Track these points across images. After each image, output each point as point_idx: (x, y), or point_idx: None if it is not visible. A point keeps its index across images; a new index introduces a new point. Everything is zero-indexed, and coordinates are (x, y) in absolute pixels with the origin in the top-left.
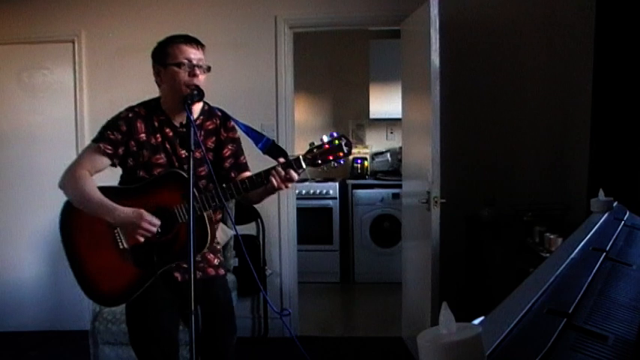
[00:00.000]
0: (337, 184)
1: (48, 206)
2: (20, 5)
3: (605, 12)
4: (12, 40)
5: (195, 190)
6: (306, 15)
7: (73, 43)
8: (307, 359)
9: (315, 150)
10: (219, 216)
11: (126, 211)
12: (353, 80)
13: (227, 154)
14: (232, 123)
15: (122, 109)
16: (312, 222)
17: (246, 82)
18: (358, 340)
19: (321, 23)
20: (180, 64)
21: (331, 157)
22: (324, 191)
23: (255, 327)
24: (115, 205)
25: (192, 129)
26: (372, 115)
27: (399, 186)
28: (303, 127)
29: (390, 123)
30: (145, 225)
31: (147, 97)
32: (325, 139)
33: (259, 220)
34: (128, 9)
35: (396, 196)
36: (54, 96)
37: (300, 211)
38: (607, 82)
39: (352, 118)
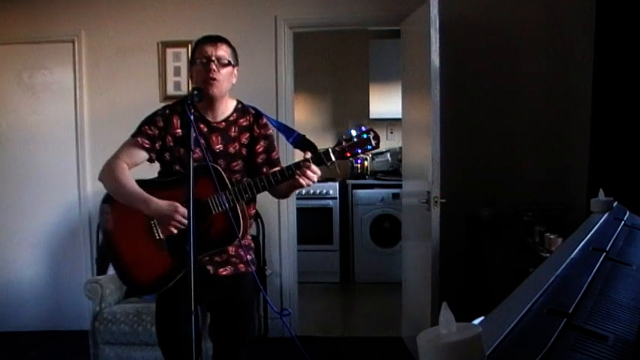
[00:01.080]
0: (337, 184)
1: (48, 206)
2: (20, 5)
3: (605, 12)
4: (12, 40)
5: (228, 181)
6: (306, 15)
7: (73, 43)
8: (307, 359)
9: (343, 143)
10: (253, 211)
11: (161, 203)
12: (353, 80)
13: (259, 150)
14: (265, 120)
15: (122, 109)
16: (312, 222)
17: (246, 82)
18: (358, 340)
19: (321, 23)
20: (198, 61)
21: (359, 150)
22: (324, 191)
23: (255, 327)
24: (150, 196)
25: (192, 129)
26: (372, 115)
27: (399, 186)
28: (303, 127)
29: (390, 123)
30: (179, 217)
31: (146, 97)
32: (354, 132)
33: (259, 220)
34: (128, 9)
35: (396, 196)
36: (54, 96)
37: (300, 211)
38: (607, 82)
39: (352, 118)
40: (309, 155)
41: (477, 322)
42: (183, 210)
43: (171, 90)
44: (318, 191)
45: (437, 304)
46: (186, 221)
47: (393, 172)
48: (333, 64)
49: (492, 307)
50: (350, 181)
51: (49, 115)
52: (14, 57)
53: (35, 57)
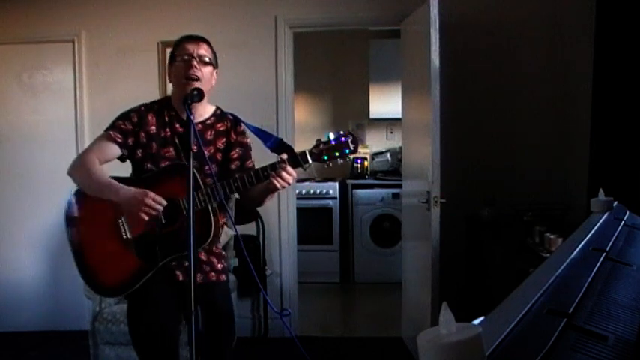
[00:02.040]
0: (337, 184)
1: (48, 206)
2: (20, 5)
3: (605, 12)
4: (12, 40)
5: (201, 184)
6: (306, 15)
7: (73, 43)
8: (307, 359)
9: (321, 146)
10: (224, 220)
11: (131, 189)
12: (353, 80)
13: (234, 157)
14: (243, 127)
15: (122, 109)
16: (312, 222)
17: (246, 82)
18: (358, 340)
19: (321, 23)
20: (179, 59)
21: (337, 154)
22: (324, 191)
23: (255, 327)
24: (121, 185)
25: (191, 128)
26: (372, 115)
27: (399, 186)
28: (303, 127)
29: (390, 123)
30: (149, 202)
31: (146, 97)
32: (332, 135)
33: (259, 220)
34: (128, 9)
35: (396, 196)
36: (54, 96)
37: (300, 211)
38: (607, 82)
39: (352, 118)
40: (285, 157)
41: (476, 322)
42: (154, 195)
43: (171, 90)
44: (318, 191)
45: (437, 304)
46: (158, 207)
47: (393, 172)
48: (333, 64)
49: (492, 307)
50: (350, 181)
51: (49, 115)
52: (14, 57)
53: (35, 57)
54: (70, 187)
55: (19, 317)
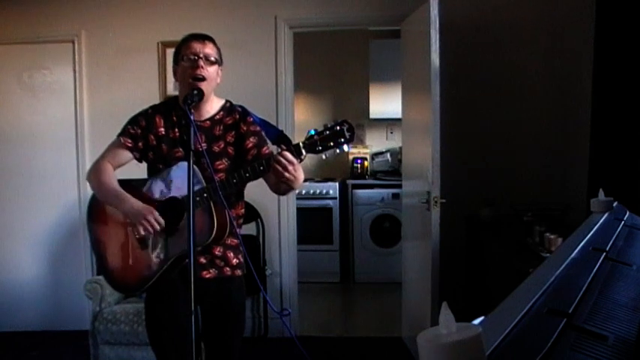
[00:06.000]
0: (337, 184)
1: (47, 206)
2: (20, 5)
3: (605, 12)
4: (12, 40)
5: (203, 181)
6: (306, 15)
7: (73, 43)
8: (307, 359)
9: (315, 136)
10: (242, 210)
11: (137, 204)
12: (353, 80)
13: (249, 146)
14: (252, 118)
15: (122, 109)
16: (312, 222)
17: (246, 82)
18: (358, 340)
19: (321, 23)
20: (185, 58)
21: (332, 144)
22: (324, 191)
23: (255, 327)
24: (129, 196)
25: (192, 129)
26: (372, 115)
27: (399, 186)
28: (303, 127)
29: (390, 123)
30: (151, 219)
31: (146, 97)
32: (327, 125)
33: (259, 220)
34: (128, 9)
35: (396, 196)
36: (54, 96)
37: (300, 211)
38: (607, 82)
39: (352, 118)
40: (283, 147)
41: (476, 322)
42: (157, 216)
43: (171, 90)
44: (318, 191)
45: (437, 304)
46: (157, 226)
47: (393, 172)
48: (333, 64)
49: (492, 307)
50: (350, 181)
51: (49, 115)
52: (14, 57)
53: (35, 57)
54: (71, 188)
55: (19, 317)
